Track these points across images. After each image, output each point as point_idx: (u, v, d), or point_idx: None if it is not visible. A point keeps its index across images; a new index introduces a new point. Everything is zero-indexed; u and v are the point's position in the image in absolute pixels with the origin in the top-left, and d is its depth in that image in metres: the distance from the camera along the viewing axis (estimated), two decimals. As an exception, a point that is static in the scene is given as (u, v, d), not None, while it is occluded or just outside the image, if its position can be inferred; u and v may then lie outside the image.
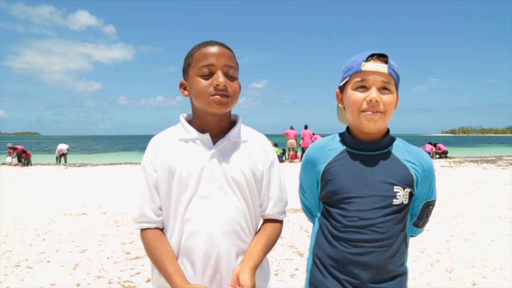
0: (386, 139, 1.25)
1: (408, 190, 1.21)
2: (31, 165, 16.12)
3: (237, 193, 1.19)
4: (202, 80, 1.16)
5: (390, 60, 1.18)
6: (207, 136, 1.20)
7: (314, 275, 1.28)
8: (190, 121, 1.27)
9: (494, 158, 18.63)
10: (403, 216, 1.23)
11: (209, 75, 1.16)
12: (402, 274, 1.24)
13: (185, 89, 1.24)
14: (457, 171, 12.72)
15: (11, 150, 16.61)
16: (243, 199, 1.20)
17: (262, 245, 1.21)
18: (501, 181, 9.89)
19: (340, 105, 1.31)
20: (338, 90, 1.29)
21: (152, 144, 1.24)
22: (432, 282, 3.24)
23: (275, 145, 16.97)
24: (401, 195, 1.20)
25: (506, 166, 14.22)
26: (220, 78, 1.15)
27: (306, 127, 17.37)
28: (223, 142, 1.20)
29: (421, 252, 4.03)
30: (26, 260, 3.85)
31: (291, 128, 17.45)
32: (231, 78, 1.19)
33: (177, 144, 1.21)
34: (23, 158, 16.11)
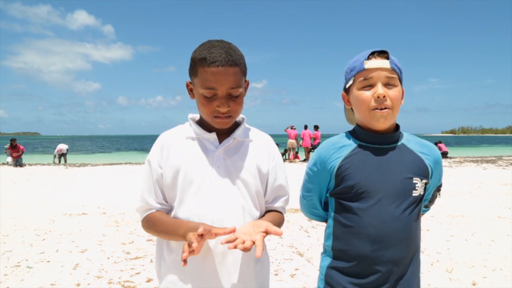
0: (398, 133, 1.26)
1: (424, 181, 1.23)
2: (21, 165, 15.56)
3: (243, 191, 1.21)
4: (205, 101, 1.17)
5: (391, 56, 1.20)
6: (213, 135, 1.23)
7: (330, 274, 1.25)
8: (197, 121, 1.29)
9: (494, 158, 18.63)
10: (420, 207, 1.24)
11: (212, 97, 1.16)
12: (417, 265, 1.25)
13: (191, 90, 1.25)
14: (457, 171, 12.72)
15: (11, 150, 16.52)
16: (249, 197, 1.22)
17: (269, 219, 1.23)
18: (501, 181, 9.88)
19: (347, 106, 1.32)
20: (343, 92, 1.31)
21: (159, 140, 1.26)
22: (432, 282, 3.24)
23: (277, 145, 16.91)
24: (419, 187, 1.21)
25: (506, 166, 14.22)
26: (222, 108, 1.15)
27: (306, 127, 17.36)
28: (229, 141, 1.23)
29: (421, 252, 4.02)
30: (26, 260, 3.84)
31: (292, 128, 17.41)
32: (235, 97, 1.18)
33: (184, 142, 1.23)
34: (15, 159, 15.75)
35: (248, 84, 1.28)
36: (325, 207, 1.36)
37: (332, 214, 1.29)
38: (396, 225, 1.17)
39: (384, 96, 1.17)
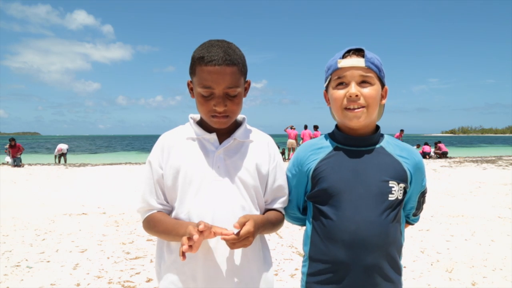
0: (377, 135, 1.24)
1: (402, 185, 1.19)
2: (19, 165, 15.43)
3: (242, 191, 1.21)
4: (203, 100, 1.17)
5: (367, 53, 1.18)
6: (213, 136, 1.23)
7: (310, 280, 1.24)
8: (198, 121, 1.29)
9: (494, 158, 18.62)
10: (397, 212, 1.20)
11: (209, 96, 1.16)
12: (398, 275, 1.21)
13: (191, 89, 1.25)
14: (457, 171, 12.72)
15: (11, 149, 16.47)
16: (249, 197, 1.22)
17: (265, 216, 1.23)
18: (501, 181, 9.89)
19: (327, 104, 1.32)
20: (324, 90, 1.30)
21: (160, 141, 1.26)
22: (432, 282, 3.24)
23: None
24: (396, 190, 1.18)
25: (506, 166, 14.22)
26: (219, 107, 1.15)
27: (305, 127, 17.37)
28: (229, 142, 1.23)
29: (421, 252, 4.03)
30: (26, 260, 3.84)
31: (292, 128, 17.42)
32: (232, 97, 1.18)
33: (184, 143, 1.24)
34: (12, 158, 15.71)
35: (249, 85, 1.28)
36: (305, 212, 1.33)
37: (310, 218, 1.27)
38: (371, 229, 1.14)
39: (356, 95, 1.16)
